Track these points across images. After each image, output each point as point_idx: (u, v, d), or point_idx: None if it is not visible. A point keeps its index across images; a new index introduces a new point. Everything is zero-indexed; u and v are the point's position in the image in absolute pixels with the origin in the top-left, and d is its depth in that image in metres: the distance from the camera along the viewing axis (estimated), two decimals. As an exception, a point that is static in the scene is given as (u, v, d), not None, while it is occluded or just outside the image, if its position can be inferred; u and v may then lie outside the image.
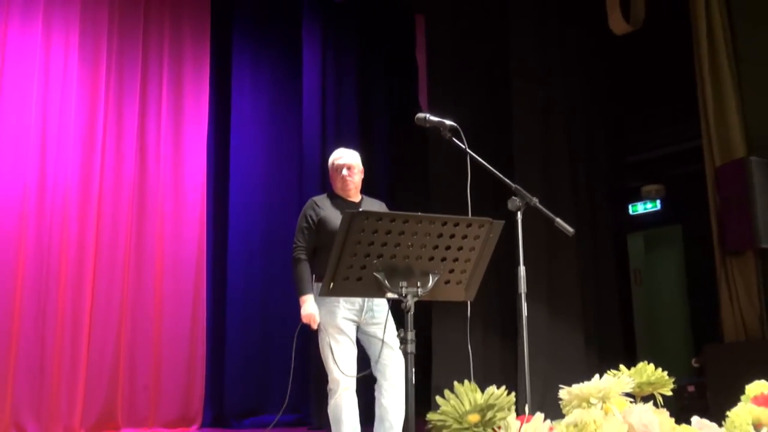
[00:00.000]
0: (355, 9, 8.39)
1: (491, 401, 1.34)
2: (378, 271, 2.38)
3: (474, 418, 1.34)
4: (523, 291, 2.79)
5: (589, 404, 1.56)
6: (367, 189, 4.38)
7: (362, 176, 4.23)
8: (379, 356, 3.91)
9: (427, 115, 3.35)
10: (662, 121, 7.00)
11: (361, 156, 4.32)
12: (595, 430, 1.42)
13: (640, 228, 8.20)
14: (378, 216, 2.32)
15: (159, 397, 7.13)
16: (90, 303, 6.64)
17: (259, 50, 8.37)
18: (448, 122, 3.30)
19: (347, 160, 4.17)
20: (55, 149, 6.64)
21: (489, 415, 1.32)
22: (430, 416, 1.38)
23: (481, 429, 1.32)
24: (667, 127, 6.83)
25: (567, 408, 1.61)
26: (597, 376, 1.65)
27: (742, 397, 2.34)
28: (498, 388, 1.67)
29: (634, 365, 1.91)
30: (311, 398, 7.40)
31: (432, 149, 7.02)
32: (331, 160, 4.24)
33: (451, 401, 1.37)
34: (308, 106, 8.04)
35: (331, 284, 2.41)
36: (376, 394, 4.01)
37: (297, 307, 8.05)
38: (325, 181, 7.94)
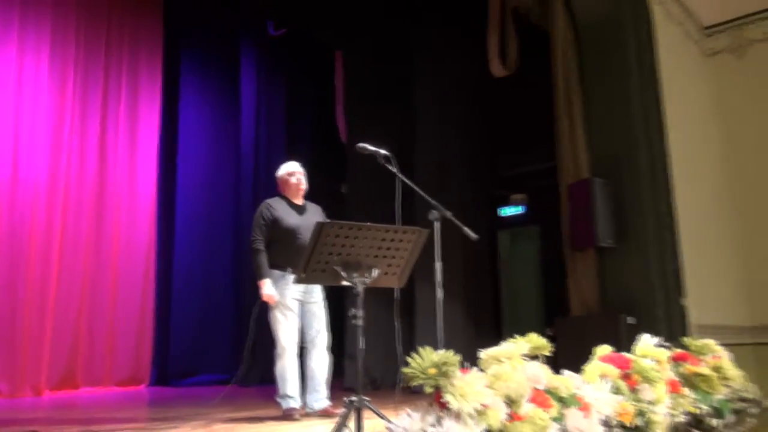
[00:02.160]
0: (286, 43, 8.57)
1: (444, 360, 1.68)
2: (337, 265, 2.69)
3: (433, 371, 1.67)
4: (438, 280, 3.14)
5: (500, 362, 1.92)
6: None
7: (306, 184, 4.42)
8: (311, 329, 4.19)
9: (366, 145, 3.49)
10: (528, 145, 7.29)
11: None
12: (507, 378, 1.79)
13: (507, 227, 8.58)
14: (341, 225, 2.62)
15: (113, 360, 7.17)
16: (55, 279, 6.62)
17: (204, 72, 8.43)
18: (382, 151, 3.47)
19: (299, 170, 4.38)
20: (27, 150, 6.58)
21: (443, 369, 1.66)
22: (404, 370, 1.69)
23: (437, 379, 1.66)
24: (532, 150, 7.11)
25: (484, 365, 1.95)
26: (504, 341, 2.02)
27: (592, 356, 2.77)
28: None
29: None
30: (246, 361, 7.57)
31: (350, 166, 7.23)
32: (284, 170, 4.38)
33: (417, 360, 1.69)
34: (245, 123, 8.18)
35: (304, 274, 2.69)
36: (305, 359, 4.22)
37: (233, 285, 8.22)
38: (257, 184, 8.15)
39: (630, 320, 5.10)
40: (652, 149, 5.49)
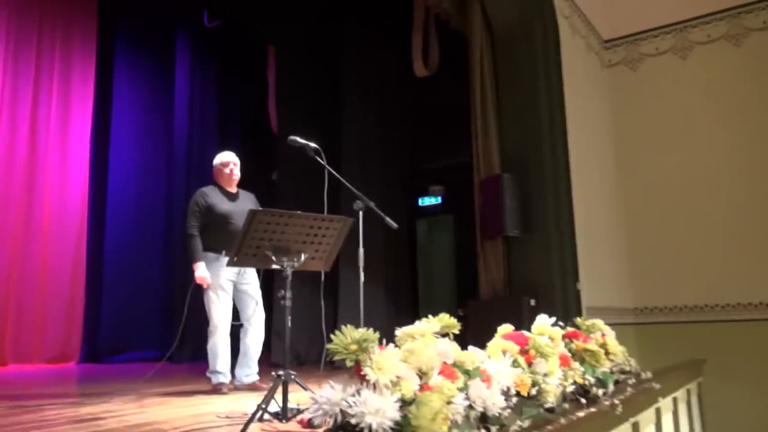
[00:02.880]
0: (221, 34, 8.40)
1: (364, 337, 1.77)
2: (268, 250, 2.73)
3: (354, 347, 1.75)
4: (361, 264, 3.22)
5: (414, 339, 2.03)
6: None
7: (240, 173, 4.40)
8: (247, 308, 4.20)
9: (297, 138, 3.50)
10: (445, 142, 7.43)
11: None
12: (420, 353, 1.89)
13: (425, 216, 8.66)
14: (272, 213, 2.67)
15: (42, 337, 6.92)
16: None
17: (138, 60, 8.18)
18: (312, 144, 3.51)
19: (233, 160, 4.35)
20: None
21: (363, 345, 1.75)
22: (329, 346, 1.76)
23: (358, 354, 1.74)
24: (449, 146, 7.21)
25: (400, 342, 2.05)
26: (418, 321, 2.12)
27: (496, 334, 2.92)
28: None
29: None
30: (176, 339, 7.45)
31: (281, 155, 7.19)
32: (219, 159, 4.34)
33: (340, 337, 1.77)
34: (178, 111, 7.98)
35: (236, 258, 2.72)
36: (241, 335, 4.24)
37: (164, 265, 8.04)
38: (189, 170, 7.99)
39: (532, 302, 5.36)
40: (555, 149, 5.77)
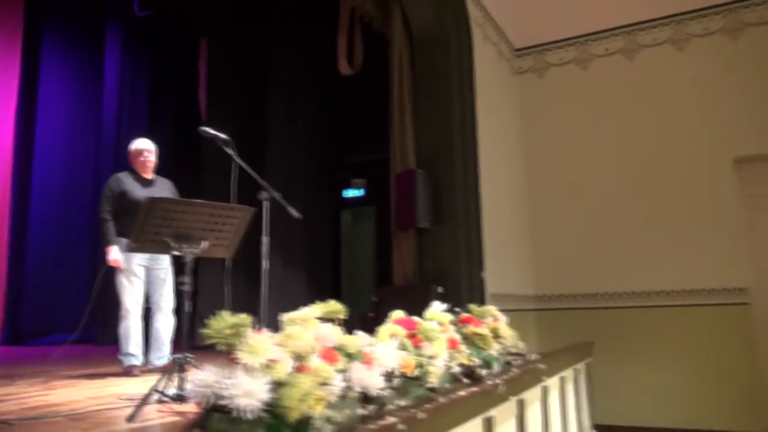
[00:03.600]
0: (152, 24, 8.08)
1: (239, 322, 1.73)
2: (167, 237, 2.64)
3: (229, 332, 1.72)
4: (264, 251, 3.17)
5: (296, 324, 2.01)
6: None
7: (157, 160, 4.27)
8: (158, 293, 4.07)
9: (208, 129, 3.40)
10: (369, 137, 7.33)
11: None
12: (297, 337, 1.87)
13: (349, 207, 8.76)
14: (170, 201, 2.58)
15: (-38, 319, 6.50)
16: None
17: (67, 46, 7.77)
18: (222, 135, 3.40)
19: (147, 146, 4.19)
20: None
21: (238, 330, 1.71)
22: (204, 332, 1.72)
23: (232, 338, 1.71)
24: (373, 141, 7.04)
25: (285, 326, 2.02)
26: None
27: (387, 320, 2.94)
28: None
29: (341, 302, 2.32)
30: (98, 322, 7.17)
31: (205, 148, 7.01)
32: (134, 146, 4.19)
33: (215, 322, 1.73)
34: (107, 98, 7.64)
35: (134, 244, 2.62)
36: (151, 320, 4.13)
37: (88, 250, 7.71)
38: (118, 157, 7.65)
39: (439, 289, 5.42)
40: (465, 148, 5.86)
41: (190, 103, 7.93)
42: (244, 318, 1.73)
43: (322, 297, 7.69)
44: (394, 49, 6.02)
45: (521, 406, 3.56)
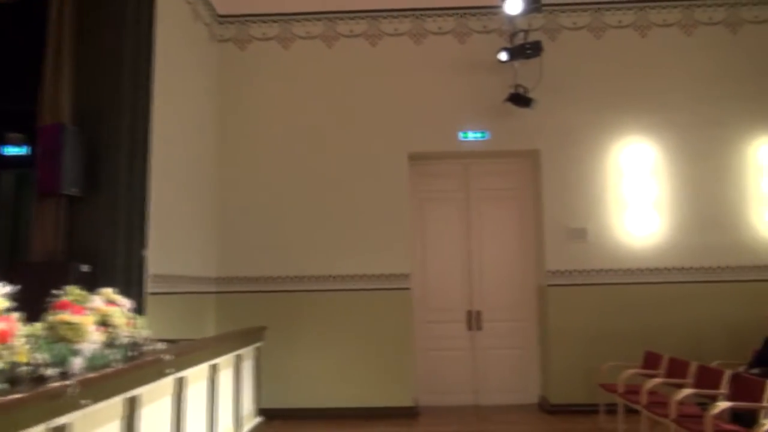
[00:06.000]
0: None
1: None
2: None
3: None
4: None
5: None
6: None
7: None
8: None
9: None
10: (25, 83, 6.19)
11: None
12: None
13: (11, 167, 7.24)
14: None
15: None
16: None
17: None
18: None
19: None
20: None
21: None
22: None
23: None
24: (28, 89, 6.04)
25: None
26: None
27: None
28: None
29: None
30: None
31: None
32: None
33: None
34: None
35: None
36: None
37: None
38: None
39: (85, 268, 4.61)
40: (135, 108, 5.05)
41: None
42: None
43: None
44: (56, -19, 4.94)
45: (131, 404, 3.00)
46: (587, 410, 6.08)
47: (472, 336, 6.91)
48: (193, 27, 6.27)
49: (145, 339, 3.31)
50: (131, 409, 3.00)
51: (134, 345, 3.20)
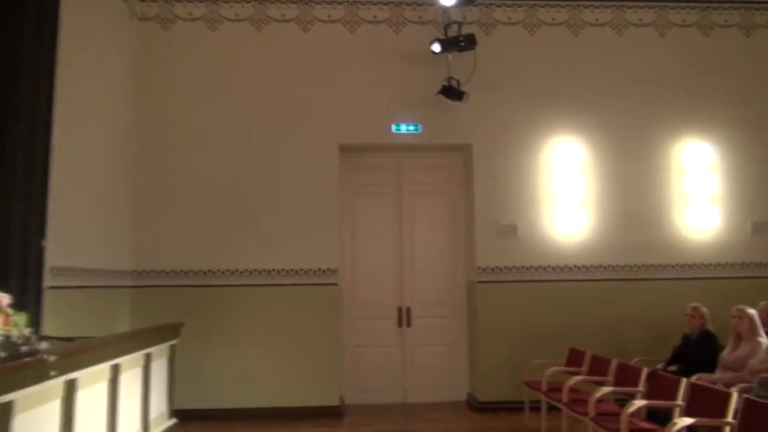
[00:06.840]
0: None
1: None
2: None
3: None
4: None
5: None
6: None
7: None
8: None
9: None
10: None
11: None
12: None
13: None
14: None
15: None
16: None
17: None
18: None
19: None
20: None
21: None
22: None
23: None
24: None
25: None
26: None
27: None
28: None
29: None
30: None
31: None
32: None
33: None
34: None
35: None
36: None
37: None
38: None
39: (-30, 259, 4.18)
40: (36, 86, 4.62)
41: None
42: None
43: None
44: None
45: (2, 411, 2.68)
46: (514, 408, 6.06)
47: (401, 333, 6.78)
48: (109, 5, 5.84)
49: (27, 338, 2.98)
50: (2, 416, 2.67)
51: (10, 344, 2.87)
